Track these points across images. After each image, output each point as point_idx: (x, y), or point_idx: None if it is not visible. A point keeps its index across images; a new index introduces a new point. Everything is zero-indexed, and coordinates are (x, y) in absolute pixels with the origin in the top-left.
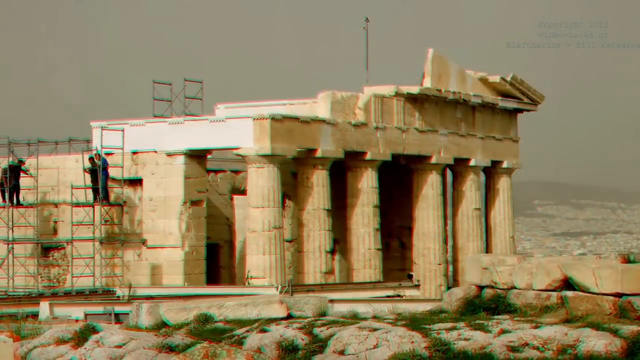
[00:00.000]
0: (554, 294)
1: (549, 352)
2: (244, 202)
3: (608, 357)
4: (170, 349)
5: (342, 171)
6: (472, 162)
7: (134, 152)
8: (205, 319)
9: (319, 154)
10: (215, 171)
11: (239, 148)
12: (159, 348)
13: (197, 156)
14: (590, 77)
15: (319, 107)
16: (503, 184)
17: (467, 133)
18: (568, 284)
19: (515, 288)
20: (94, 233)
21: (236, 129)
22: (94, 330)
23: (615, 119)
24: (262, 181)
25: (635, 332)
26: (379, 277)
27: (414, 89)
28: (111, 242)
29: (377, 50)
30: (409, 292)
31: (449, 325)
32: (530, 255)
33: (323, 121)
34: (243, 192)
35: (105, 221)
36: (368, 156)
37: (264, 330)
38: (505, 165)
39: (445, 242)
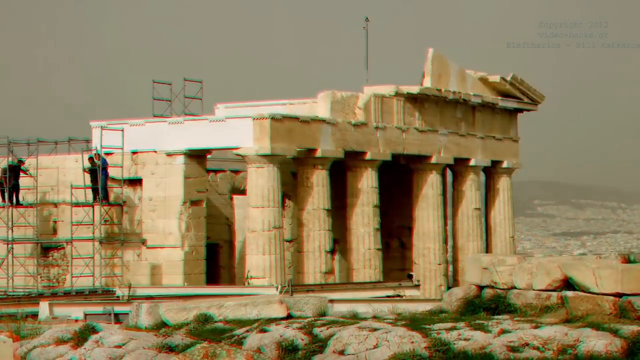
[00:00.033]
0: (554, 294)
1: (549, 352)
2: (244, 202)
3: (608, 357)
4: (170, 349)
5: (342, 171)
6: (472, 162)
7: (134, 152)
8: (205, 319)
9: (318, 153)
10: (215, 171)
11: (239, 148)
12: (159, 348)
13: (197, 156)
14: (590, 77)
15: (319, 107)
16: (503, 183)
17: (467, 133)
18: (568, 284)
19: (515, 288)
20: (93, 233)
21: (236, 128)
22: (93, 330)
23: (615, 119)
24: (262, 181)
25: (635, 332)
26: (379, 277)
27: (414, 89)
28: (111, 242)
29: (377, 50)
30: (409, 292)
31: (449, 325)
32: (531, 255)
33: (323, 121)
34: (243, 192)
35: (105, 221)
36: (368, 156)
37: (263, 330)
38: (505, 165)
39: (445, 242)
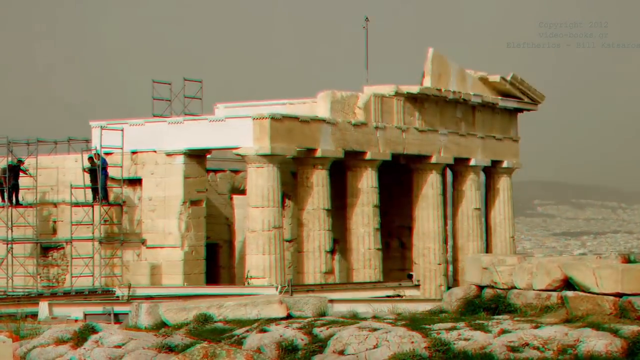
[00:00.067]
0: (554, 294)
1: (549, 352)
2: (244, 202)
3: (608, 357)
4: (170, 349)
5: (342, 171)
6: (472, 162)
7: (134, 152)
8: (205, 319)
9: (318, 153)
10: (215, 171)
11: (239, 148)
12: (159, 348)
13: (197, 156)
14: (590, 77)
15: (319, 106)
16: (503, 183)
17: (467, 133)
18: (568, 284)
19: (515, 288)
20: (93, 233)
21: (236, 128)
22: (93, 330)
23: (615, 119)
24: (261, 181)
25: (635, 332)
26: (378, 277)
27: (414, 89)
28: (110, 242)
29: (377, 50)
30: (409, 292)
31: (449, 325)
32: (531, 255)
33: (323, 121)
34: (243, 191)
35: (105, 221)
36: (368, 156)
37: (263, 330)
38: (505, 165)
39: (445, 242)
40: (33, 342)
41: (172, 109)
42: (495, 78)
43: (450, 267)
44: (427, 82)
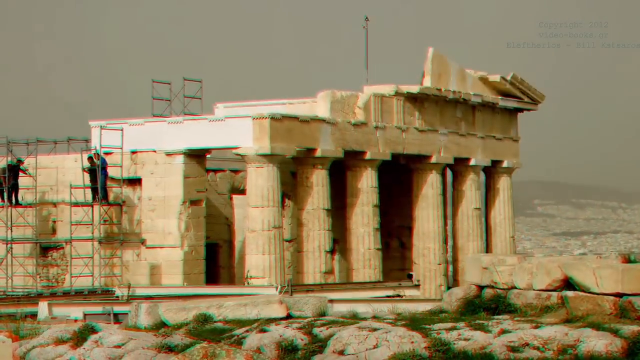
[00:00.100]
0: (555, 293)
1: (549, 352)
2: (244, 202)
3: (608, 357)
4: (170, 349)
5: (341, 171)
6: (472, 162)
7: (133, 152)
8: (205, 319)
9: (318, 153)
10: (215, 171)
11: (239, 147)
12: (158, 348)
13: (197, 156)
14: (590, 77)
15: (319, 106)
16: (503, 183)
17: (467, 132)
18: (568, 283)
19: (515, 288)
20: (92, 233)
21: (235, 128)
22: (92, 330)
23: (615, 119)
24: (261, 181)
25: (635, 332)
26: (378, 277)
27: (414, 89)
28: (110, 242)
29: (377, 50)
30: (408, 292)
31: (449, 325)
32: (531, 255)
33: (323, 120)
34: (242, 191)
35: (104, 221)
36: (368, 156)
37: (263, 330)
38: (505, 164)
39: (445, 242)
40: (33, 342)
41: (171, 109)
42: (495, 78)
43: (450, 267)
44: (427, 82)
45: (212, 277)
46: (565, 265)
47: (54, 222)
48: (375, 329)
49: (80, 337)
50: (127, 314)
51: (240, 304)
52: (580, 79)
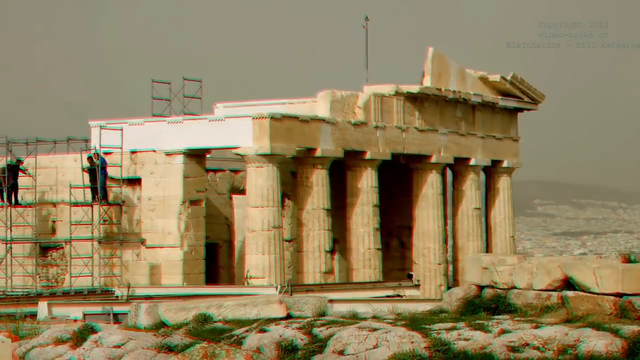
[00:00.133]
0: (555, 293)
1: (549, 352)
2: (243, 202)
3: (609, 357)
4: (169, 349)
5: (341, 170)
6: (472, 162)
7: (133, 152)
8: (204, 319)
9: (318, 153)
10: (215, 170)
11: (238, 147)
12: (158, 348)
13: (196, 155)
14: (590, 77)
15: (319, 106)
16: (503, 183)
17: (467, 132)
18: (568, 283)
19: (515, 288)
20: (92, 233)
21: (235, 128)
22: (92, 330)
23: (615, 119)
24: (261, 180)
25: (636, 332)
26: (378, 277)
27: (414, 88)
28: (110, 242)
29: (377, 50)
30: (408, 292)
31: (449, 325)
32: (531, 255)
33: (322, 120)
34: (242, 191)
35: (104, 221)
36: (368, 155)
37: (263, 330)
38: (505, 164)
39: (445, 241)
40: (32, 342)
41: (171, 109)
42: (495, 77)
43: (450, 267)
44: (427, 82)
45: (212, 277)
46: (565, 265)
47: (54, 222)
48: (375, 329)
49: (79, 337)
50: (126, 314)
51: (240, 304)
52: (580, 79)
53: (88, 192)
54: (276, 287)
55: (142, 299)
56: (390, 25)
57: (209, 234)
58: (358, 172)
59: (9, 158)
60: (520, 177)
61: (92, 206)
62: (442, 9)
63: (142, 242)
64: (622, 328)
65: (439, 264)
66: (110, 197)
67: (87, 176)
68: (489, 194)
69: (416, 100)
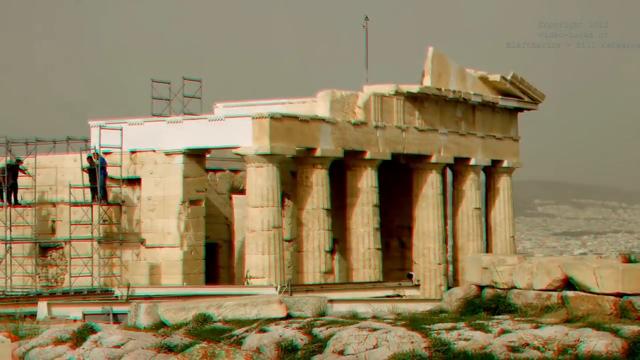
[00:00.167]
0: (555, 293)
1: (549, 352)
2: (243, 202)
3: (609, 357)
4: (169, 349)
5: (341, 170)
6: (472, 162)
7: (133, 152)
8: (204, 319)
9: (318, 153)
10: (214, 170)
11: (238, 147)
12: (158, 348)
13: (196, 155)
14: (590, 77)
15: (319, 106)
16: (503, 183)
17: (467, 132)
18: (569, 283)
19: (515, 288)
20: (92, 233)
21: (235, 128)
22: (92, 330)
23: (615, 119)
24: (261, 180)
25: (636, 332)
26: (378, 277)
27: (414, 88)
28: (109, 242)
29: (377, 49)
30: (408, 292)
31: (449, 325)
32: (531, 254)
33: (322, 120)
34: (242, 191)
35: (104, 221)
36: (368, 155)
37: (263, 330)
38: (505, 164)
39: (445, 241)
40: (32, 342)
41: (171, 109)
42: (495, 77)
43: (450, 267)
44: (427, 82)
45: (212, 277)
46: (565, 265)
47: (53, 221)
48: (375, 329)
49: (79, 337)
50: (126, 314)
51: (240, 304)
52: (580, 79)
53: (88, 192)
54: (276, 287)
55: (142, 299)
56: (390, 25)
57: (209, 233)
58: (358, 172)
59: (8, 158)
60: (520, 177)
61: (91, 206)
62: (442, 9)
63: (142, 242)
64: (623, 328)
65: (439, 264)
66: (110, 197)
67: (86, 176)
68: (489, 194)
69: (416, 100)
